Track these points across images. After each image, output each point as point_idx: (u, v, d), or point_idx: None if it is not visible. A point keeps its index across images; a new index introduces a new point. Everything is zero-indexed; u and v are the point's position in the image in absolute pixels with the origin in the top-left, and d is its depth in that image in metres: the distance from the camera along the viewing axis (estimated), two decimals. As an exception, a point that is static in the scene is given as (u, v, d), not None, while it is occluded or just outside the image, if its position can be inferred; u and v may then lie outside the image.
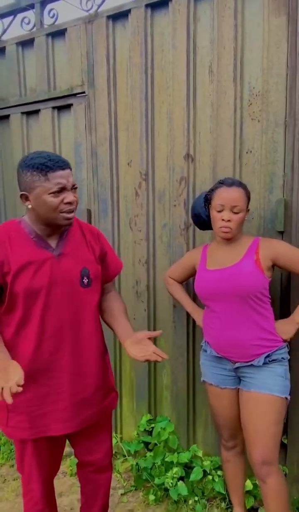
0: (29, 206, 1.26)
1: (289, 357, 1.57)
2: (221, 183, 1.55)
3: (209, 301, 1.56)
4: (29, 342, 1.28)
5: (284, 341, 1.54)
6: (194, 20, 1.92)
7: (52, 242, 1.34)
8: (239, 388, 1.59)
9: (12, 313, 1.28)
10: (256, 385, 1.50)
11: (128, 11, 2.05)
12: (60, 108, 2.33)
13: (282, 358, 1.53)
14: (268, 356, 1.50)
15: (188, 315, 2.01)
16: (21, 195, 1.26)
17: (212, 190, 1.57)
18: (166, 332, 2.08)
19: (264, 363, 1.49)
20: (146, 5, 2.00)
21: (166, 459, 1.92)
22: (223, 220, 1.49)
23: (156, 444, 2.01)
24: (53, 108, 2.33)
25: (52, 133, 2.36)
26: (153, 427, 2.11)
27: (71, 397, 1.37)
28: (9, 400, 1.08)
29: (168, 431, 1.98)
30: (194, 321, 2.01)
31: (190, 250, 1.87)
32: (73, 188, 1.26)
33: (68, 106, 2.30)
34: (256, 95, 1.82)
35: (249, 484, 1.78)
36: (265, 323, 1.51)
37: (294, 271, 1.54)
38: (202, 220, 1.64)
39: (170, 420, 2.10)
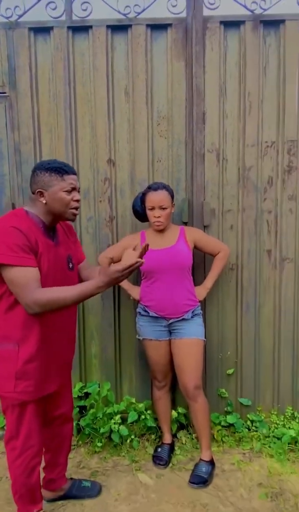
0: (44, 202, 1.51)
1: (201, 312, 2.19)
2: (149, 188, 2.04)
3: (153, 274, 2.03)
4: (39, 319, 1.50)
5: (199, 301, 2.15)
6: (112, 48, 2.33)
7: (52, 233, 1.59)
8: (171, 339, 2.11)
9: None
10: (186, 333, 2.06)
11: (51, 28, 2.31)
12: (-26, 104, 2.39)
13: (199, 312, 2.13)
14: (193, 311, 2.08)
15: (114, 293, 2.43)
16: (37, 192, 1.50)
17: (144, 194, 2.05)
18: (95, 308, 2.44)
19: (191, 317, 2.06)
20: (68, 27, 2.31)
21: (108, 411, 2.30)
22: (155, 217, 2.00)
23: (92, 405, 2.36)
24: None
25: None
26: (85, 393, 2.44)
27: (61, 361, 1.66)
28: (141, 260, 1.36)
29: (106, 389, 2.36)
30: (119, 298, 2.45)
31: (127, 235, 2.29)
32: (79, 190, 1.57)
33: (-16, 103, 2.38)
34: (163, 118, 2.37)
35: (174, 414, 2.33)
36: (191, 287, 2.09)
37: (205, 251, 2.17)
38: (141, 215, 2.09)
39: (99, 384, 2.47)
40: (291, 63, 2.29)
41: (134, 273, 2.38)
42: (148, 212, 2.01)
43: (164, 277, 2.03)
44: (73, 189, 1.55)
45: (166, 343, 2.12)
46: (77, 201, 1.56)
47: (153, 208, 1.99)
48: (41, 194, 1.52)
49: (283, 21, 2.28)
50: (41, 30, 2.32)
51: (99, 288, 1.39)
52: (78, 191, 1.58)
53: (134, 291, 2.19)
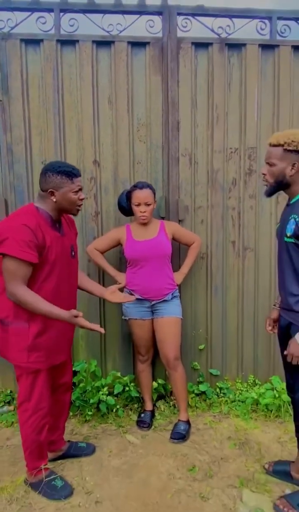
0: (54, 200, 1.75)
1: (179, 294, 2.53)
2: (135, 186, 2.35)
3: (138, 262, 2.34)
4: (49, 297, 1.75)
5: (176, 285, 2.49)
6: (96, 61, 2.61)
7: (58, 225, 1.85)
8: (153, 318, 2.44)
9: (37, 277, 1.74)
10: (166, 313, 2.39)
11: (41, 40, 2.54)
12: None
13: (177, 294, 2.48)
14: (172, 293, 2.41)
15: (99, 281, 2.72)
16: (49, 191, 1.74)
17: (130, 192, 2.35)
18: (83, 294, 2.68)
19: (171, 298, 2.40)
20: (57, 40, 2.55)
21: (96, 385, 2.58)
22: (141, 212, 2.31)
23: (80, 381, 2.63)
24: None
25: None
26: (74, 370, 2.70)
27: (67, 335, 1.94)
28: (102, 330, 1.74)
29: (93, 365, 2.64)
30: (104, 285, 2.73)
31: (113, 228, 2.57)
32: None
33: (-23, 106, 2.57)
34: (142, 124, 2.68)
35: (155, 384, 2.66)
36: (170, 273, 2.43)
37: (181, 242, 2.52)
38: (126, 211, 2.40)
39: (85, 362, 2.75)
40: (251, 81, 2.69)
41: (120, 261, 2.67)
42: (135, 208, 2.32)
43: (148, 264, 2.35)
44: (80, 189, 1.82)
45: (149, 322, 2.44)
46: (82, 199, 1.84)
47: (139, 204, 2.29)
48: (52, 193, 1.76)
49: (244, 44, 2.66)
50: (32, 41, 2.55)
51: (62, 320, 1.71)
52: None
53: (120, 277, 2.48)
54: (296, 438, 1.95)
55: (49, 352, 1.83)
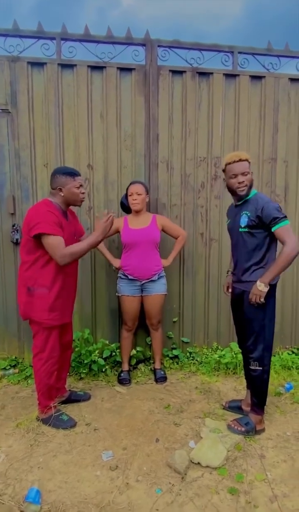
0: (62, 194, 2.30)
1: (165, 274, 3.11)
2: (130, 183, 2.93)
3: (132, 246, 2.91)
4: (62, 267, 2.30)
5: (163, 267, 3.08)
6: (91, 82, 3.15)
7: (65, 215, 2.40)
8: (142, 296, 3.02)
9: None
10: (153, 291, 2.98)
11: (45, 63, 3.06)
12: (-19, 116, 3.05)
13: (163, 274, 3.06)
14: (159, 274, 3.00)
15: (91, 266, 3.28)
16: (58, 188, 2.29)
17: (127, 188, 2.93)
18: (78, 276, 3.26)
19: (157, 278, 2.99)
20: (58, 64, 3.08)
21: (89, 349, 3.14)
22: (133, 200, 2.89)
23: (76, 346, 3.18)
24: (-24, 115, 3.03)
25: (-26, 135, 3.05)
26: (68, 339, 3.25)
27: (72, 301, 2.49)
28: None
29: (87, 333, 3.20)
30: (95, 269, 3.29)
31: (114, 218, 3.12)
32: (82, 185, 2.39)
33: (-11, 117, 3.06)
34: (128, 136, 3.25)
35: (133, 351, 3.25)
36: (157, 257, 3.01)
37: (169, 234, 3.09)
38: (126, 207, 2.98)
39: (80, 332, 3.30)
40: (217, 102, 3.31)
41: (116, 248, 3.24)
42: (129, 198, 2.91)
43: (139, 248, 2.92)
44: (81, 185, 2.38)
45: (138, 298, 3.02)
46: (83, 193, 2.40)
47: (131, 194, 2.89)
48: (60, 189, 2.33)
49: (212, 73, 3.28)
50: (37, 64, 3.07)
51: (97, 237, 2.27)
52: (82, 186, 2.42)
53: (114, 261, 3.06)
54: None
55: (62, 313, 2.39)
